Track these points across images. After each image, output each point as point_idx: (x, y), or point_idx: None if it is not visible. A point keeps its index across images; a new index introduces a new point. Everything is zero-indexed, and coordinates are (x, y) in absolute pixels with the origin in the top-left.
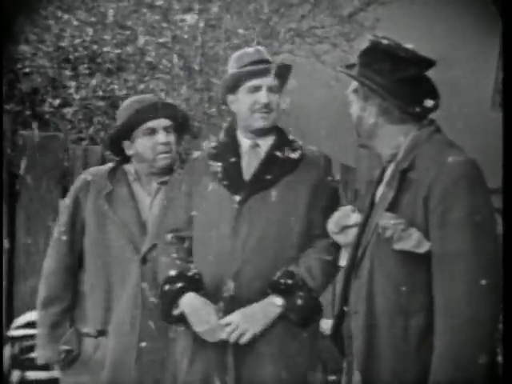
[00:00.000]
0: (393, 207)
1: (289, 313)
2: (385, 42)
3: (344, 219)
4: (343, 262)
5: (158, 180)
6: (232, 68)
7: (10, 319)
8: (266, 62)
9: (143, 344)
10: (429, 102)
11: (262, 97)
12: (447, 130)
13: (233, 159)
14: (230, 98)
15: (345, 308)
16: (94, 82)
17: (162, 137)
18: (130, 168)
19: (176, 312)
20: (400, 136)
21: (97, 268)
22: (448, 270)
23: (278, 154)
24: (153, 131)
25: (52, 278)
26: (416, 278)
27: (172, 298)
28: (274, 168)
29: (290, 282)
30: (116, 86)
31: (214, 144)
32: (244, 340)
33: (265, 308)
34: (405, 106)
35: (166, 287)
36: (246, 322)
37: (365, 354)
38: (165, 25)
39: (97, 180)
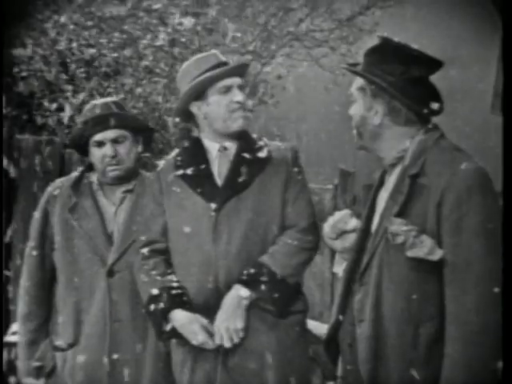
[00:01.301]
0: (402, 213)
1: (259, 301)
2: (395, 40)
3: (342, 224)
4: (337, 268)
5: (122, 189)
6: (189, 76)
7: (7, 324)
8: (225, 63)
9: (115, 356)
10: (434, 105)
11: (237, 95)
12: (446, 133)
13: (202, 166)
14: (197, 104)
15: (340, 317)
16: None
17: (108, 150)
18: (93, 177)
19: (167, 328)
20: (405, 139)
21: (67, 282)
22: (461, 278)
23: (246, 155)
24: (101, 144)
25: (27, 294)
26: (427, 286)
27: (160, 318)
28: (245, 170)
29: (251, 271)
30: (113, 90)
31: (178, 152)
32: (236, 340)
33: (233, 302)
34: (414, 105)
35: (151, 307)
36: (225, 322)
37: (372, 363)
38: (162, 28)
39: (62, 193)
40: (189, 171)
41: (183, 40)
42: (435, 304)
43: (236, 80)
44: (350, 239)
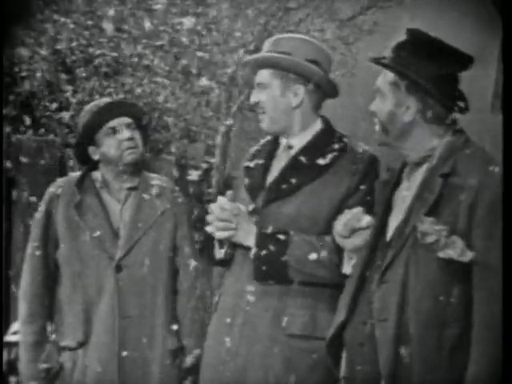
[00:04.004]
0: (432, 212)
1: (255, 260)
2: (426, 34)
3: (355, 222)
4: (347, 268)
5: (127, 185)
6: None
7: (7, 324)
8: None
9: (124, 353)
10: (461, 103)
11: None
12: None
13: (261, 161)
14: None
15: (349, 316)
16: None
17: (125, 133)
18: (97, 175)
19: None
20: (434, 138)
21: (73, 280)
22: (493, 281)
23: (304, 159)
24: (115, 130)
25: (30, 293)
26: (453, 287)
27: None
28: (295, 175)
29: (280, 236)
30: (113, 90)
31: (262, 142)
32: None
33: (247, 233)
34: (448, 102)
35: None
36: (240, 225)
37: (393, 363)
38: (162, 28)
39: (65, 191)
40: (252, 164)
41: (183, 40)
42: (461, 306)
43: None
44: (362, 237)
